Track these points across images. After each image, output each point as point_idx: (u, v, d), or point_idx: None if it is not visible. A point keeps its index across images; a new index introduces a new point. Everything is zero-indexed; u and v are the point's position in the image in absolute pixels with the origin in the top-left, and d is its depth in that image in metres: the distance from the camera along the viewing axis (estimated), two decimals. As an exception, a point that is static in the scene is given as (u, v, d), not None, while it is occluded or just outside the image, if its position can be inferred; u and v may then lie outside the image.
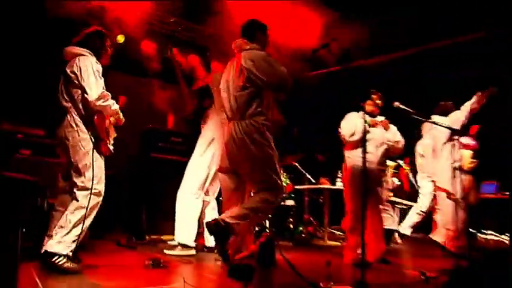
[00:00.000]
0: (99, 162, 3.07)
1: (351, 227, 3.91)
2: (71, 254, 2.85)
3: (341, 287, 2.55)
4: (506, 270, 1.79)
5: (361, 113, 3.98)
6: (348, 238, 3.97)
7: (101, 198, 3.04)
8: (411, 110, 4.45)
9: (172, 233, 4.12)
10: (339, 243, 5.51)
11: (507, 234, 5.77)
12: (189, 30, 6.30)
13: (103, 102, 3.03)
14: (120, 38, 5.21)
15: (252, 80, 3.05)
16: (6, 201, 1.71)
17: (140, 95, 5.18)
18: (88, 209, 2.91)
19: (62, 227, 2.86)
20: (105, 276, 2.85)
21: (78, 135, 3.01)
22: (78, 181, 2.95)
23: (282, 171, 4.40)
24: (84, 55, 3.10)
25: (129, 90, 4.16)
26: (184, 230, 3.99)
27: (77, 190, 2.94)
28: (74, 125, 3.02)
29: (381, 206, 4.22)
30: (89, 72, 3.01)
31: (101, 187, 3.05)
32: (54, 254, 2.80)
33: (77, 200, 2.92)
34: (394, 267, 3.81)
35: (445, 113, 4.77)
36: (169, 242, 4.30)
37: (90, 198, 2.93)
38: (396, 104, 4.16)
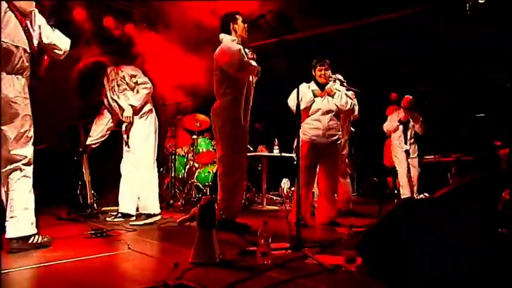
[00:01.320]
0: None
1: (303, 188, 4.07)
2: None
3: (279, 244, 2.78)
4: (422, 219, 1.99)
5: (311, 83, 4.17)
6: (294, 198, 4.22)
7: None
8: (344, 81, 4.74)
9: (114, 204, 4.22)
10: (276, 208, 5.81)
11: (426, 194, 6.39)
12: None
13: None
14: None
15: (217, 67, 3.63)
16: None
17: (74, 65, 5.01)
18: None
19: (26, 208, 2.74)
20: (47, 248, 2.82)
21: (28, 105, 2.82)
22: (25, 154, 2.80)
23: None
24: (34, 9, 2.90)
25: (62, 61, 4.01)
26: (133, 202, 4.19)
27: (25, 166, 2.79)
28: (26, 91, 2.80)
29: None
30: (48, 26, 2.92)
31: None
32: (29, 236, 2.74)
33: (29, 177, 2.81)
34: (330, 225, 4.04)
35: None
36: (110, 213, 4.36)
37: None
38: (330, 74, 4.41)
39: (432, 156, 7.07)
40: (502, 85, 6.04)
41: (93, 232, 3.29)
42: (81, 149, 4.38)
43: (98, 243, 3.09)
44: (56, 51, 2.96)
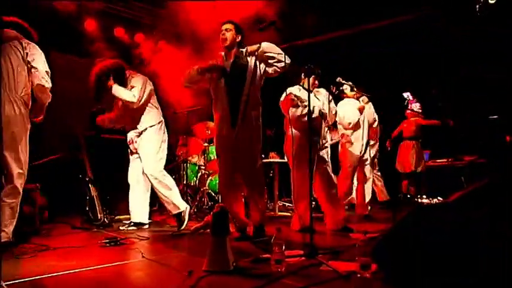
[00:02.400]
0: None
1: (298, 197, 4.03)
2: None
3: (292, 251, 2.78)
4: (435, 224, 1.97)
5: (298, 87, 4.15)
6: (297, 207, 4.07)
7: None
8: (352, 85, 4.73)
9: (126, 212, 4.27)
10: (289, 214, 5.77)
11: (439, 198, 6.33)
12: (136, 9, 6.18)
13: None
14: None
15: None
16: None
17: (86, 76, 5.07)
18: None
19: (13, 218, 2.96)
20: (61, 257, 2.86)
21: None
22: (20, 168, 2.99)
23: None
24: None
25: (74, 71, 4.05)
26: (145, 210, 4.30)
27: (19, 179, 2.99)
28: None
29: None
30: (44, 60, 3.05)
31: None
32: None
33: (19, 189, 3.01)
34: (344, 232, 3.97)
35: None
36: (124, 222, 4.39)
37: None
38: (338, 79, 4.39)
39: (445, 160, 7.02)
40: (502, 85, 5.97)
41: (107, 241, 3.31)
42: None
43: (112, 251, 3.11)
44: (41, 81, 3.06)
